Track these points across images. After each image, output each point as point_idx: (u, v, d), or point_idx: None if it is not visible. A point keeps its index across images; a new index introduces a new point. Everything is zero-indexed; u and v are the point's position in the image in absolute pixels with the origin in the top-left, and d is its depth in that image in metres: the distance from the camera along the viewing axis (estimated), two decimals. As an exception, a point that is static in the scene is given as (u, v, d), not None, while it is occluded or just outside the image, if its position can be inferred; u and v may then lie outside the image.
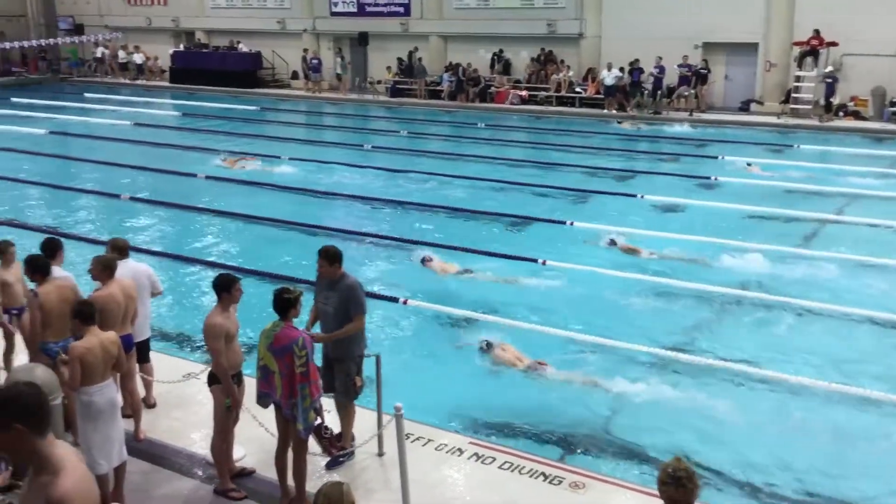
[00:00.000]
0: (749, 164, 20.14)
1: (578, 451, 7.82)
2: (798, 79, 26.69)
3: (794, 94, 26.75)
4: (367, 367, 7.15)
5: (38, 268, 7.31)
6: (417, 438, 7.28)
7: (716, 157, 21.23)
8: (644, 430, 8.16)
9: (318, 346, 6.83)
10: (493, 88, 31.20)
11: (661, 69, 27.97)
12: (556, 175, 19.52)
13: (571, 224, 15.18)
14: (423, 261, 13.02)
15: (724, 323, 11.10)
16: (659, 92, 28.32)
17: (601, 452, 7.80)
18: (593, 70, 29.87)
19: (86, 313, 6.32)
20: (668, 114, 27.89)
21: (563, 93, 30.03)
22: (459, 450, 7.22)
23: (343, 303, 6.81)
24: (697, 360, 9.70)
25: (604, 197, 17.44)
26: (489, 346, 9.84)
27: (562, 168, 20.35)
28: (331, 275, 6.88)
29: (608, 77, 28.51)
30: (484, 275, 12.64)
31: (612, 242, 13.97)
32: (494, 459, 7.08)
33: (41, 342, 7.20)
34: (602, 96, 29.01)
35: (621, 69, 28.49)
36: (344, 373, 6.94)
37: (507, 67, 32.06)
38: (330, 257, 6.87)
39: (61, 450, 3.46)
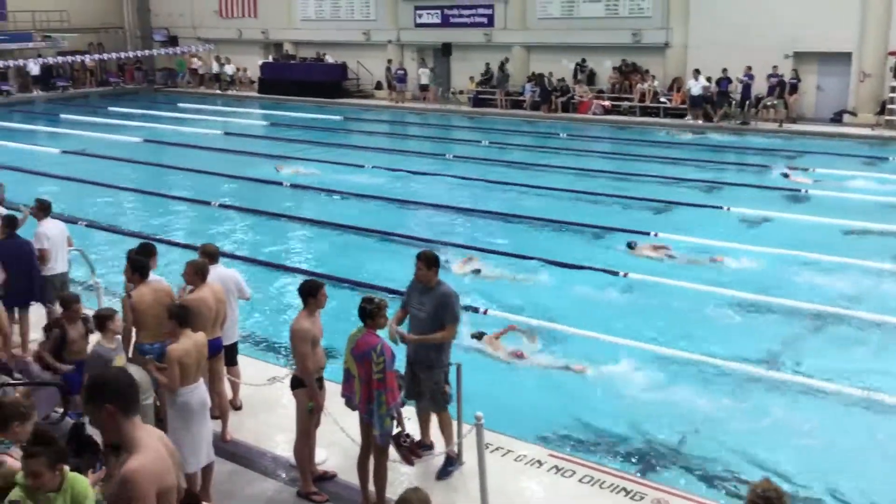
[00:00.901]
0: (786, 175, 19.89)
1: (658, 466, 7.69)
2: (894, 90, 25.73)
3: (889, 106, 25.80)
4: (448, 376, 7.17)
5: (137, 268, 7.59)
6: (497, 449, 7.27)
7: (806, 170, 20.62)
8: (725, 447, 7.97)
9: (400, 355, 6.87)
10: (575, 98, 31.01)
11: (750, 78, 27.35)
12: (640, 186, 19.26)
13: (655, 235, 14.95)
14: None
15: (812, 340, 10.76)
16: (747, 102, 27.69)
17: (681, 468, 7.66)
18: (679, 80, 29.40)
19: (183, 316, 6.53)
20: (757, 124, 27.24)
21: (647, 103, 29.65)
22: (539, 461, 7.18)
23: (437, 310, 6.86)
24: (783, 377, 9.43)
25: (688, 208, 17.12)
26: (480, 336, 10.30)
27: (645, 179, 20.07)
28: (427, 279, 6.94)
29: (694, 87, 28.01)
30: (562, 286, 12.55)
31: (631, 245, 14.15)
32: (574, 473, 7.02)
33: (137, 343, 7.45)
34: (687, 106, 28.53)
35: (708, 79, 27.97)
36: (432, 381, 6.98)
37: (590, 77, 31.83)
38: (428, 261, 6.94)
39: (143, 432, 3.72)
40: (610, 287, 12.47)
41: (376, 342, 6.26)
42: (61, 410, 6.66)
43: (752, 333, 10.86)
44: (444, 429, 7.12)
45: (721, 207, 17.02)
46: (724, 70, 27.63)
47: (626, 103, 30.24)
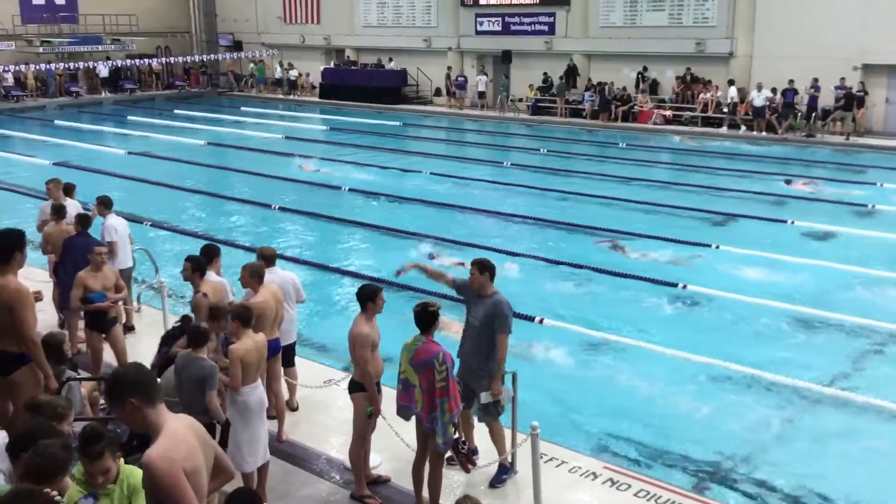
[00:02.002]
0: (788, 182, 20.15)
1: (714, 483, 7.55)
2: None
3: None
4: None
5: (198, 267, 7.74)
6: (551, 459, 7.22)
7: (874, 184, 20.11)
8: (784, 466, 7.79)
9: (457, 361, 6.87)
10: (636, 108, 30.73)
11: (817, 90, 26.78)
12: (701, 197, 18.99)
13: (717, 248, 14.71)
14: (430, 256, 14.12)
15: (880, 359, 10.46)
16: (813, 114, 27.11)
17: (737, 487, 7.49)
18: (742, 90, 28.92)
19: (245, 317, 6.62)
20: (823, 137, 26.65)
21: (709, 113, 29.22)
22: (594, 474, 7.11)
23: (489, 318, 6.83)
24: (846, 396, 9.18)
25: (752, 221, 16.81)
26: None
27: (707, 190, 19.78)
28: (481, 285, 6.91)
29: (758, 98, 27.54)
30: (620, 296, 12.43)
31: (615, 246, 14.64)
32: (630, 486, 6.93)
33: None
34: (751, 117, 28.07)
35: (773, 90, 27.47)
36: (484, 391, 6.95)
37: (653, 87, 31.52)
38: (482, 267, 6.91)
39: (168, 418, 3.82)
40: (668, 298, 12.31)
41: (437, 350, 6.25)
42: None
43: (813, 350, 10.61)
44: (496, 438, 7.08)
45: (785, 221, 16.69)
46: (791, 81, 27.10)
47: (687, 113, 29.86)
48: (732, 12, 29.31)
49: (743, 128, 28.05)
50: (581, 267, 13.70)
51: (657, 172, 22.25)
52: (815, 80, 26.68)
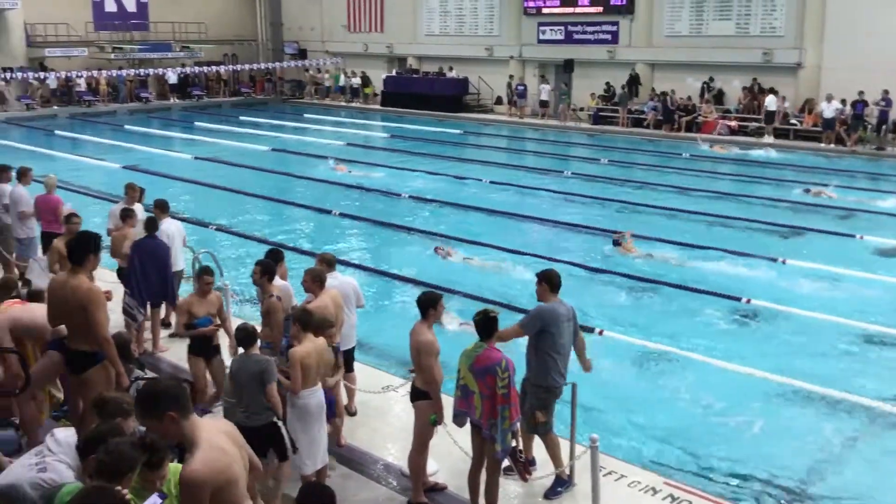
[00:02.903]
0: (808, 190, 19.90)
1: (773, 501, 7.37)
2: None
3: None
4: (563, 395, 7.09)
5: (267, 271, 7.88)
6: (610, 472, 7.13)
7: (826, 185, 19.56)
8: (844, 487, 7.56)
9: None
10: (700, 118, 30.29)
11: (888, 102, 26.07)
12: (767, 210, 18.61)
13: (783, 262, 14.39)
14: (436, 249, 14.91)
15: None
16: (884, 126, 26.39)
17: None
18: (811, 101, 28.30)
19: (306, 321, 6.70)
20: (894, 150, 25.90)
21: (776, 124, 28.66)
22: (654, 489, 6.99)
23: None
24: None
25: (819, 235, 16.41)
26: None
27: (774, 203, 19.38)
28: (542, 297, 6.90)
29: (828, 109, 26.90)
30: (683, 310, 12.24)
31: (616, 243, 14.93)
32: (690, 503, 6.80)
33: (262, 340, 7.70)
34: (819, 129, 27.45)
35: (842, 101, 26.82)
36: (526, 403, 6.91)
37: (718, 97, 31.04)
38: (539, 277, 6.94)
39: (202, 428, 3.86)
40: (731, 312, 12.09)
41: (500, 357, 6.23)
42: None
43: (882, 367, 10.31)
44: (551, 450, 7.02)
45: (854, 235, 16.26)
46: (860, 93, 26.43)
47: (753, 124, 29.32)
48: (801, 22, 28.73)
49: (769, 137, 27.59)
50: (641, 279, 13.54)
51: (721, 184, 21.87)
52: (886, 91, 25.99)
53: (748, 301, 12.36)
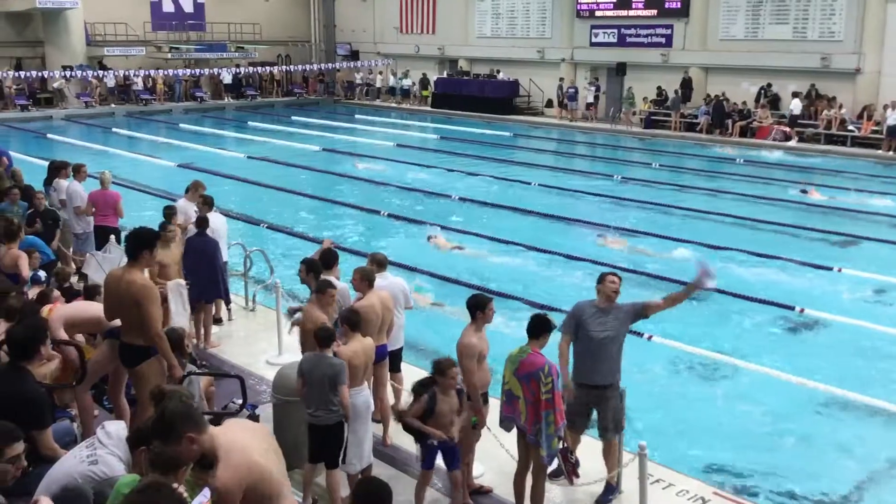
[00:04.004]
0: (804, 191, 19.71)
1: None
2: None
3: None
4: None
5: (312, 269, 7.93)
6: (658, 480, 7.03)
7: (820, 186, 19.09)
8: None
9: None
10: (755, 123, 29.80)
11: (951, 109, 25.37)
12: (823, 217, 18.23)
13: (839, 270, 14.08)
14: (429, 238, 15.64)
15: None
16: (945, 134, 25.68)
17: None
18: (870, 107, 27.65)
19: (353, 321, 6.73)
20: (957, 158, 25.22)
21: (833, 131, 28.06)
22: (702, 499, 6.88)
23: (623, 325, 6.84)
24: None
25: (877, 244, 16.01)
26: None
27: (829, 210, 18.98)
28: (608, 299, 6.87)
29: (891, 117, 26.22)
30: (734, 318, 12.04)
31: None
32: (739, 514, 6.69)
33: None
34: (879, 136, 26.79)
35: (905, 108, 26.16)
36: (614, 405, 6.84)
37: (774, 102, 30.49)
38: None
39: (222, 436, 3.90)
40: (784, 321, 11.87)
41: (543, 362, 6.20)
42: (240, 402, 7.00)
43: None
44: (609, 455, 6.93)
45: (912, 245, 15.86)
46: (923, 99, 25.75)
47: (810, 130, 28.75)
48: (860, 27, 28.08)
49: (794, 140, 27.46)
50: (685, 284, 13.31)
51: (774, 190, 21.47)
52: (950, 98, 25.31)
53: (802, 311, 12.11)
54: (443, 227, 17.14)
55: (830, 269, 14.19)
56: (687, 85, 32.18)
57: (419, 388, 6.44)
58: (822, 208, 19.22)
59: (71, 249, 12.25)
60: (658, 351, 10.68)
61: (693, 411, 9.22)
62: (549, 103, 36.75)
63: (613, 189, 21.60)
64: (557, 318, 6.77)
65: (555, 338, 6.60)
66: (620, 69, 33.79)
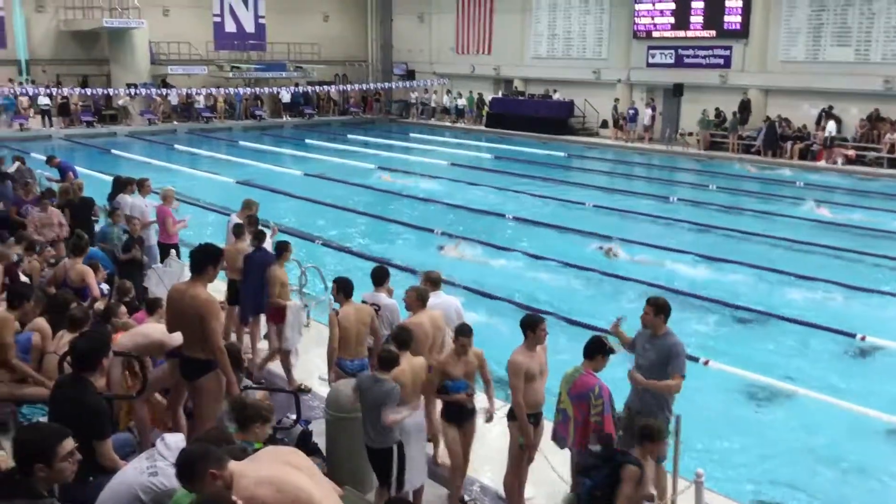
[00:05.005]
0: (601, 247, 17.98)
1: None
2: None
3: None
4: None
5: (341, 289, 7.96)
6: (713, 509, 6.90)
7: None
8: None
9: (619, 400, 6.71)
10: (815, 146, 29.24)
11: None
12: (888, 243, 17.76)
13: (899, 297, 13.73)
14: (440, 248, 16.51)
15: None
16: None
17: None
18: (935, 130, 26.95)
19: (402, 338, 6.75)
20: None
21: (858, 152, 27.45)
22: (758, 529, 6.74)
23: (663, 359, 6.64)
24: None
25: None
26: None
27: (890, 235, 18.50)
28: (654, 326, 6.76)
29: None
30: (792, 344, 11.79)
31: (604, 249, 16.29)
32: (797, 546, 6.52)
33: (338, 358, 7.80)
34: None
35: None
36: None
37: (837, 125, 29.88)
38: (657, 307, 6.76)
39: (247, 469, 3.95)
40: (845, 348, 11.59)
41: (594, 383, 6.17)
42: (293, 417, 7.06)
43: None
44: (657, 481, 6.84)
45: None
46: None
47: (872, 154, 28.11)
48: (927, 48, 27.47)
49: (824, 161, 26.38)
50: (750, 309, 13.13)
51: (837, 214, 20.99)
52: None
53: (863, 338, 11.81)
54: (496, 247, 17.12)
55: (894, 295, 13.81)
56: (745, 107, 31.75)
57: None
58: (883, 233, 18.73)
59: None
60: (714, 376, 10.50)
61: (750, 438, 9.03)
62: (605, 124, 36.58)
63: (669, 210, 21.38)
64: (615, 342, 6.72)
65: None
66: (677, 90, 33.50)
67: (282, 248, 9.53)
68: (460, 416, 6.99)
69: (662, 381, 6.61)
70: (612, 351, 6.32)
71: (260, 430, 5.23)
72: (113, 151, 31.01)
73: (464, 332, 6.94)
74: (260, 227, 10.62)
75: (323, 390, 8.61)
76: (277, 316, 9.45)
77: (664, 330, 6.72)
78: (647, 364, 6.70)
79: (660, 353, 6.65)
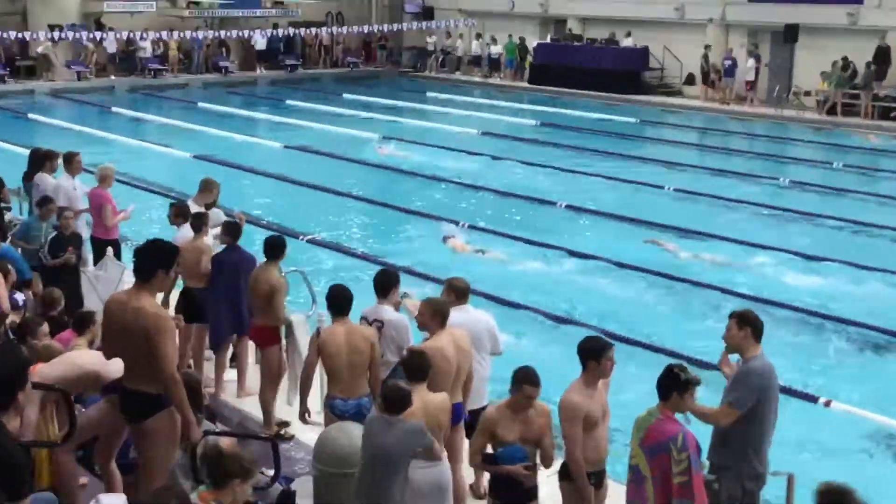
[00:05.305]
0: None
1: None
2: None
3: None
4: (775, 488, 6.92)
5: (331, 303, 7.99)
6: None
7: None
8: None
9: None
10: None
11: None
12: None
13: None
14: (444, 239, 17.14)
15: None
16: None
17: None
18: None
19: (415, 366, 6.74)
20: None
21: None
22: None
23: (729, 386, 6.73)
24: None
25: None
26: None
27: None
28: (740, 346, 6.76)
29: None
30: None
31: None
32: None
33: (328, 397, 7.86)
34: None
35: None
36: (726, 492, 6.73)
37: None
38: (741, 319, 6.76)
39: None
40: None
41: (676, 430, 6.13)
42: (271, 473, 7.08)
43: None
44: None
45: None
46: None
47: None
48: None
49: None
50: (888, 332, 13.05)
51: None
52: None
53: None
54: (545, 246, 17.10)
55: None
56: (883, 56, 31.47)
57: None
58: None
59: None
60: (839, 421, 10.51)
61: (880, 495, 9.00)
62: (691, 79, 36.44)
63: (778, 197, 21.33)
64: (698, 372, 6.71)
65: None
66: (790, 34, 33.28)
67: (277, 248, 9.61)
68: (514, 496, 6.77)
69: (735, 433, 6.61)
70: (695, 383, 6.27)
71: (240, 490, 5.27)
72: (30, 115, 31.27)
73: (530, 379, 6.64)
74: (230, 219, 10.69)
75: (308, 437, 8.65)
76: (269, 337, 9.54)
77: (754, 352, 6.71)
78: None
79: (731, 378, 6.73)
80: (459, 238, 17.23)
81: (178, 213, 11.12)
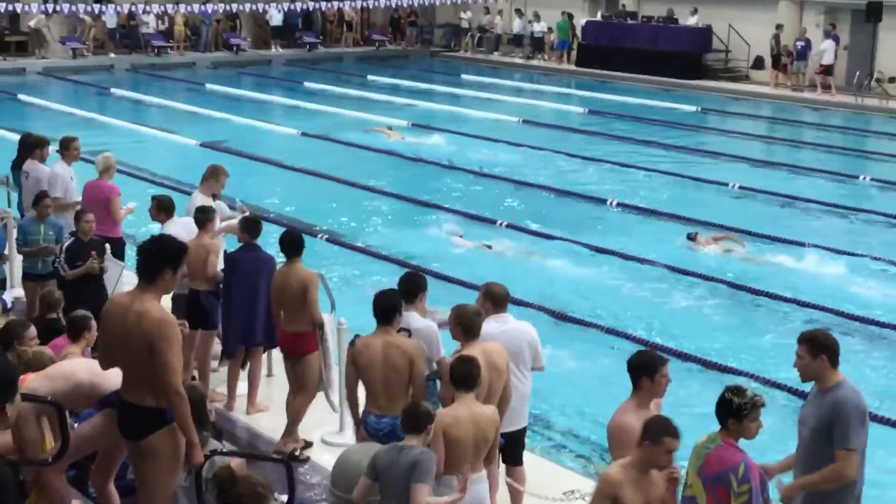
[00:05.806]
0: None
1: None
2: None
3: None
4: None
5: (376, 312, 7.82)
6: None
7: None
8: None
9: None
10: None
11: None
12: None
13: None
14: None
15: None
16: None
17: None
18: None
19: (462, 374, 6.77)
20: None
21: None
22: None
23: (825, 424, 6.59)
24: None
25: None
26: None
27: None
28: (816, 374, 6.71)
29: None
30: None
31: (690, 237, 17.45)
32: None
33: (364, 412, 7.81)
34: None
35: None
36: None
37: None
38: (813, 343, 6.67)
39: None
40: None
41: (738, 460, 6.11)
42: (284, 498, 7.08)
43: None
44: None
45: None
46: None
47: None
48: None
49: None
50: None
51: None
52: None
53: None
54: (593, 249, 17.08)
55: None
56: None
57: None
58: None
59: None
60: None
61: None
62: (759, 63, 36.30)
63: (857, 196, 21.23)
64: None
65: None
66: (873, 12, 33.06)
67: (298, 244, 9.70)
68: None
69: (818, 470, 6.53)
70: (754, 406, 6.21)
71: None
72: (20, 96, 31.61)
73: (671, 430, 6.04)
74: (247, 215, 10.74)
75: (326, 458, 8.67)
76: (306, 344, 9.55)
77: (834, 380, 6.64)
78: (808, 431, 6.64)
79: (820, 415, 6.57)
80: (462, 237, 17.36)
81: (161, 207, 11.10)
